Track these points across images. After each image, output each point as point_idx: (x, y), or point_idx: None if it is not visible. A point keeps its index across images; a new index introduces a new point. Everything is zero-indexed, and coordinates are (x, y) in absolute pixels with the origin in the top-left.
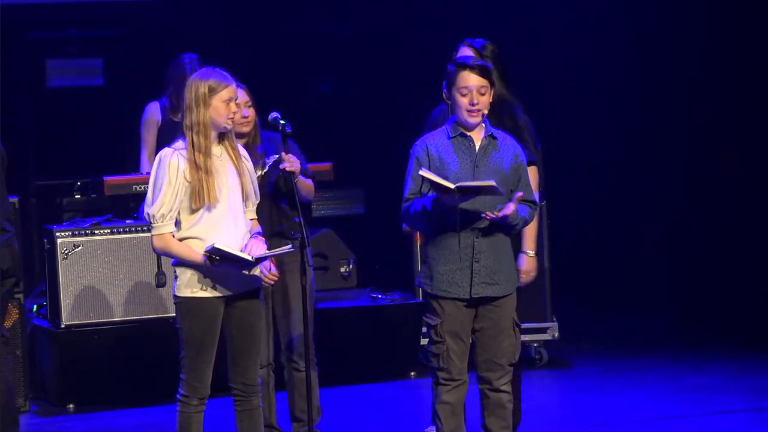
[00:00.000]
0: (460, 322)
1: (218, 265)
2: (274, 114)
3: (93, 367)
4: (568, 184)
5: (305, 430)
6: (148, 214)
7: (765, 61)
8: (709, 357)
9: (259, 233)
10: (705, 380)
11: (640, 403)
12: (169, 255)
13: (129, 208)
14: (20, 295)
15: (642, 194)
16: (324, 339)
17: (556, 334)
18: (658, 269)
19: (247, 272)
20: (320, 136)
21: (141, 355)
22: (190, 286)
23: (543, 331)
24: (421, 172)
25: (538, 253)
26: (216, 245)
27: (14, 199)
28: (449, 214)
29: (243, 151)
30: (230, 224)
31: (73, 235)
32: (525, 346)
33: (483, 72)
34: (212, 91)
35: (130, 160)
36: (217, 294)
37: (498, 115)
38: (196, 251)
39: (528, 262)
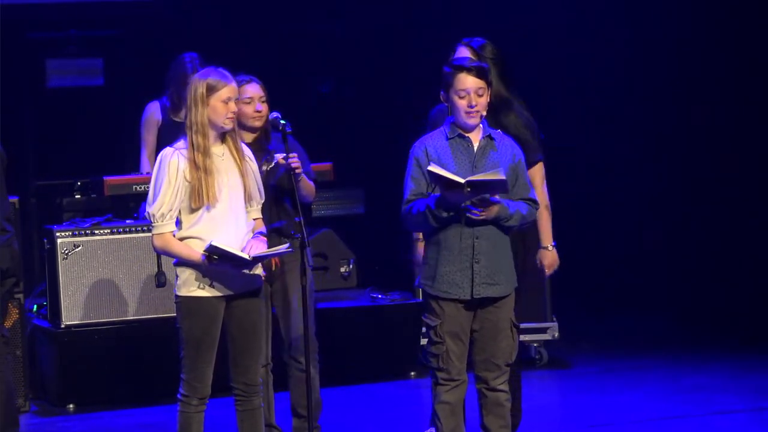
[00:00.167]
0: (460, 323)
1: (217, 264)
2: (275, 114)
3: (93, 367)
4: (568, 184)
5: (306, 427)
6: (148, 213)
7: (765, 61)
8: (709, 357)
9: (261, 233)
10: (705, 380)
11: (640, 403)
12: (169, 254)
13: (129, 208)
14: (20, 295)
15: (642, 194)
16: (324, 339)
17: (556, 334)
18: (658, 269)
19: (248, 271)
20: (320, 136)
21: (141, 355)
22: (190, 285)
23: (543, 331)
24: (430, 168)
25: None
26: (213, 244)
27: (14, 199)
28: (454, 213)
29: (248, 151)
30: (231, 224)
31: (73, 235)
32: (525, 346)
33: (480, 73)
34: (210, 91)
35: (130, 160)
36: (217, 294)
37: (496, 115)
38: (195, 250)
39: (548, 256)
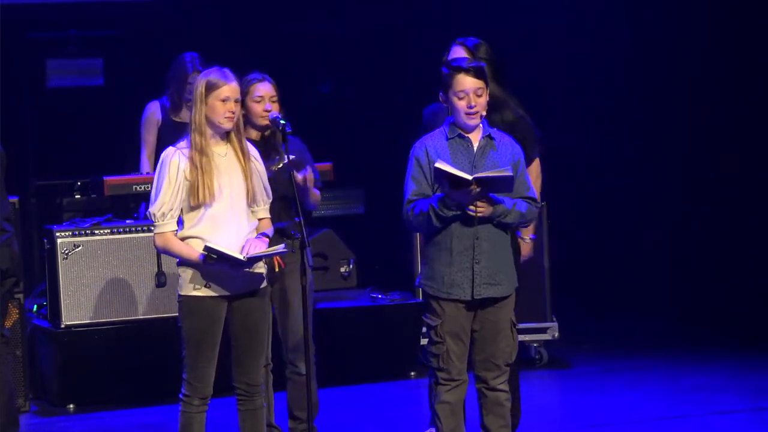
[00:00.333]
0: (460, 322)
1: (215, 264)
2: (275, 114)
3: (93, 367)
4: (568, 184)
5: (303, 428)
6: (150, 212)
7: (765, 61)
8: (709, 357)
9: (264, 234)
10: (705, 380)
11: (640, 403)
12: (169, 254)
13: (129, 208)
14: (20, 295)
15: (642, 194)
16: (324, 339)
17: (556, 334)
18: (658, 269)
19: (249, 270)
20: (320, 136)
21: (141, 355)
22: (191, 285)
23: (543, 331)
24: (437, 164)
25: (537, 253)
26: (208, 244)
27: (14, 199)
28: (458, 213)
29: (254, 152)
30: (232, 224)
31: (73, 235)
32: (525, 346)
33: (478, 74)
34: (210, 89)
35: (130, 160)
36: (217, 293)
37: (490, 115)
38: (195, 250)
39: (524, 246)
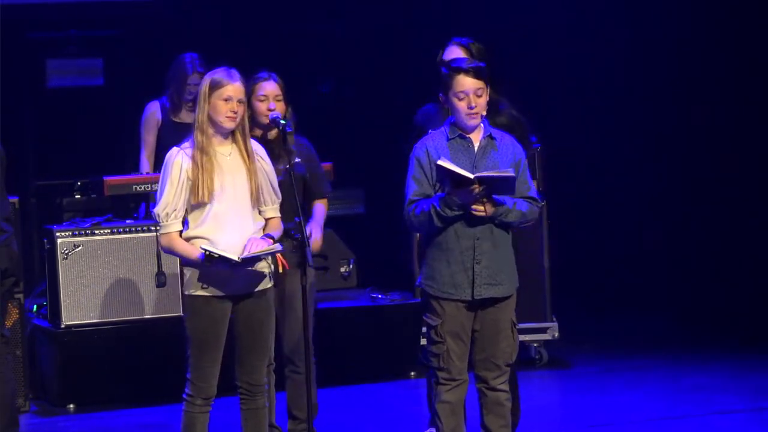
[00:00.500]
0: (461, 322)
1: (215, 264)
2: (275, 114)
3: (93, 367)
4: (568, 184)
5: (303, 428)
6: (154, 213)
7: (765, 61)
8: (709, 357)
9: (269, 235)
10: (705, 380)
11: (640, 403)
12: (173, 254)
13: (129, 208)
14: (20, 295)
15: (642, 194)
16: (324, 339)
17: (556, 334)
18: (658, 269)
19: (251, 269)
20: (320, 136)
21: (141, 355)
22: (194, 285)
23: (543, 331)
24: (439, 162)
25: (537, 253)
26: (203, 246)
27: (14, 199)
28: (460, 212)
29: (261, 151)
30: (235, 224)
31: (73, 235)
32: (525, 346)
33: (478, 74)
34: (213, 88)
35: (130, 160)
36: (221, 293)
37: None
38: (198, 250)
39: None
